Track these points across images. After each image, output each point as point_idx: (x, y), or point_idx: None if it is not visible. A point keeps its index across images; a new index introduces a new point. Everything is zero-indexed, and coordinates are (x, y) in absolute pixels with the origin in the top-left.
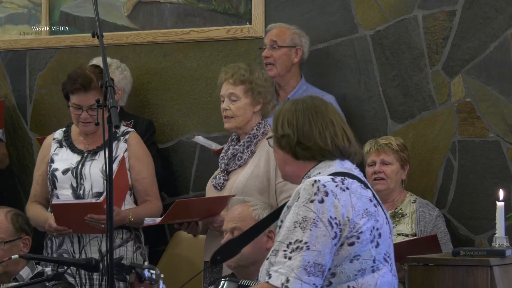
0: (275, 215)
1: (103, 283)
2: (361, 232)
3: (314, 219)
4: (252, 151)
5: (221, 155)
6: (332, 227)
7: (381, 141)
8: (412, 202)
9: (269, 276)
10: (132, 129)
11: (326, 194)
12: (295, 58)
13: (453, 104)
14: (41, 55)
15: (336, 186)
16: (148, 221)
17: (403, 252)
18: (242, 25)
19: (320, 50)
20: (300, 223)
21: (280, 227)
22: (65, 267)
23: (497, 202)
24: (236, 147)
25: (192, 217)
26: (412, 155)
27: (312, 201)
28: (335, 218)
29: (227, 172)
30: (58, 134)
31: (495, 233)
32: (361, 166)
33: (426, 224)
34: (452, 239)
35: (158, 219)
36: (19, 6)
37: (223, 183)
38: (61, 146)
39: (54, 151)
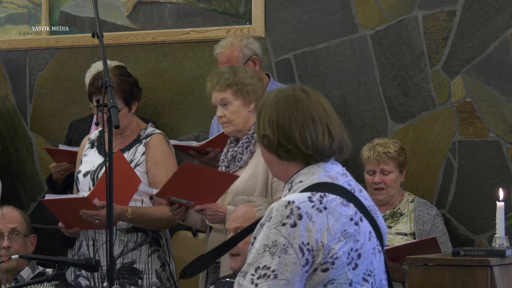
0: (250, 229)
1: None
2: (337, 258)
3: (284, 245)
4: (252, 151)
5: (221, 157)
6: (303, 253)
7: (380, 149)
8: (410, 202)
9: None
10: (158, 131)
11: (300, 217)
12: (256, 67)
13: (453, 104)
14: (41, 55)
15: (313, 206)
16: (143, 188)
17: (403, 254)
18: (242, 25)
19: (320, 50)
20: (270, 248)
21: (252, 244)
22: (66, 268)
23: (497, 202)
24: (235, 148)
25: (190, 196)
26: (412, 155)
27: (284, 224)
28: (308, 243)
29: None
30: (94, 134)
31: (495, 233)
32: (360, 165)
33: (425, 223)
34: (452, 239)
35: (156, 190)
36: (19, 6)
37: None
38: (92, 146)
39: (85, 152)
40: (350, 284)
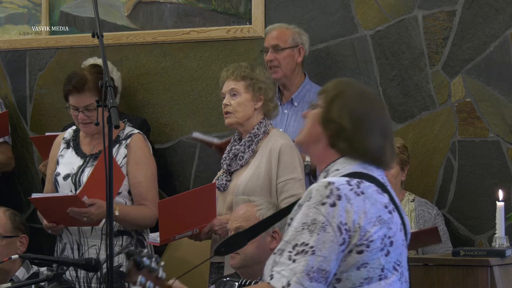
0: (284, 212)
1: None
2: (372, 241)
3: (323, 223)
4: (254, 150)
5: (223, 155)
6: (341, 233)
7: None
8: (411, 201)
9: (271, 277)
10: (136, 131)
11: (339, 197)
12: (299, 57)
13: (453, 104)
14: (41, 55)
15: (351, 190)
16: (151, 239)
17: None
18: (242, 25)
19: (320, 50)
20: (309, 225)
21: (289, 224)
22: (66, 268)
23: (497, 202)
24: (237, 146)
25: (188, 226)
26: (412, 155)
27: (323, 204)
28: (346, 223)
29: (230, 173)
30: (68, 133)
31: (495, 233)
32: None
33: (426, 223)
34: (452, 239)
35: (158, 239)
36: (19, 6)
37: (225, 184)
38: (68, 147)
39: (61, 152)
40: (382, 270)
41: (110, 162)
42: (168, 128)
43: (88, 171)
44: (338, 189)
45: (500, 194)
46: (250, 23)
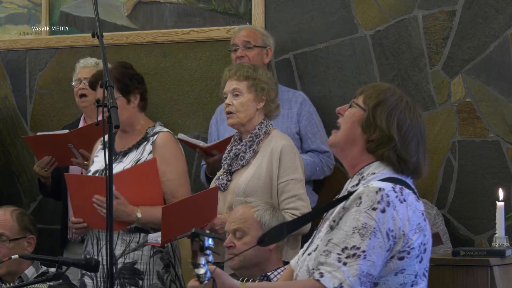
0: (329, 207)
1: (117, 286)
2: (412, 248)
3: (374, 228)
4: (255, 150)
5: (224, 155)
6: (389, 239)
7: None
8: None
9: (321, 275)
10: (165, 130)
11: (388, 204)
12: (266, 58)
13: (453, 104)
14: (41, 55)
15: (396, 197)
16: (151, 239)
17: None
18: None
19: (320, 50)
20: (359, 230)
21: (331, 227)
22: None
23: (497, 202)
24: (238, 147)
25: (190, 227)
26: None
27: (374, 209)
28: (393, 230)
29: (230, 173)
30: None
31: (495, 233)
32: None
33: None
34: (452, 239)
35: (160, 239)
36: (19, 6)
37: (226, 184)
38: (104, 148)
39: (96, 153)
40: (415, 276)
41: (110, 161)
42: (168, 128)
43: (114, 167)
44: (387, 195)
45: (500, 194)
46: (250, 23)
